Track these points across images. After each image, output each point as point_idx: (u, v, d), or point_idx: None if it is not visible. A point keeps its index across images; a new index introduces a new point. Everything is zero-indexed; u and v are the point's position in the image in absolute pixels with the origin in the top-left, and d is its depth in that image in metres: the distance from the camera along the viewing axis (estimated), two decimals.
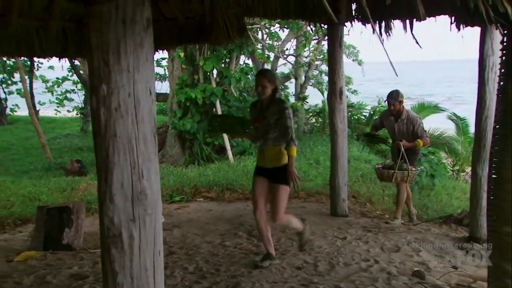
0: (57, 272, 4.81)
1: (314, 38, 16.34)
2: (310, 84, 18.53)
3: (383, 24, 6.00)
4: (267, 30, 15.04)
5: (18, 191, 8.63)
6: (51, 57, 6.44)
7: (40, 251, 5.45)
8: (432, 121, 13.29)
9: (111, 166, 2.02)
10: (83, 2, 2.02)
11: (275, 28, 15.44)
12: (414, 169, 6.32)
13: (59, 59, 6.42)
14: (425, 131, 6.65)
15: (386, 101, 6.53)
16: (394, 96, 6.39)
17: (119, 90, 1.97)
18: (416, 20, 5.20)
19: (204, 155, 11.91)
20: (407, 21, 5.40)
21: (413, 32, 5.16)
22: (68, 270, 4.86)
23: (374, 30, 5.91)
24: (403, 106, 6.50)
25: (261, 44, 15.51)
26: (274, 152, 4.55)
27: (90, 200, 7.54)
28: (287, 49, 17.74)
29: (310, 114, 18.11)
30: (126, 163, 2.03)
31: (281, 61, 18.14)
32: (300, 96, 17.18)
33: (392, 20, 5.90)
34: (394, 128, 6.53)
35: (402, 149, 6.17)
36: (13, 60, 18.60)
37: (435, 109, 14.09)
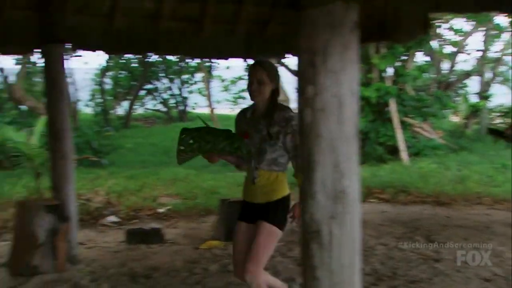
0: None
1: (507, 30, 14.92)
2: (496, 81, 17.13)
3: None
4: (448, 25, 14.22)
5: (201, 184, 9.31)
6: (236, 58, 6.87)
7: (222, 241, 5.80)
8: None
9: (314, 165, 2.09)
10: (292, 7, 2.11)
11: (457, 21, 14.53)
12: None
13: (244, 60, 6.81)
14: None
15: None
16: None
17: (325, 91, 2.03)
18: None
19: (376, 155, 11.69)
20: None
21: None
22: None
23: None
24: None
25: (441, 40, 14.73)
26: (269, 180, 3.20)
27: None
28: (467, 44, 16.61)
29: (495, 113, 16.71)
30: (328, 163, 2.08)
31: (459, 57, 17.04)
32: (483, 95, 15.97)
33: None
34: None
35: None
36: (196, 61, 20.13)
37: None
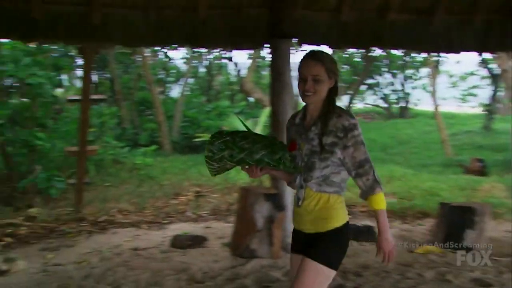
0: (458, 272, 4.73)
1: None
2: None
3: None
4: None
5: (419, 184, 8.90)
6: (469, 52, 6.31)
7: (440, 247, 5.46)
8: None
9: None
10: None
11: None
12: None
13: (479, 54, 6.27)
14: None
15: None
16: None
17: None
18: None
19: None
20: None
21: None
22: (470, 274, 4.70)
23: None
24: None
25: None
26: (319, 204, 2.50)
27: (494, 204, 7.14)
28: None
29: None
30: None
31: None
32: None
33: None
34: None
35: None
36: (423, 55, 19.26)
37: None
